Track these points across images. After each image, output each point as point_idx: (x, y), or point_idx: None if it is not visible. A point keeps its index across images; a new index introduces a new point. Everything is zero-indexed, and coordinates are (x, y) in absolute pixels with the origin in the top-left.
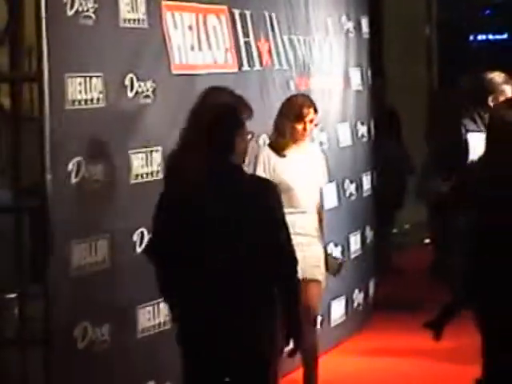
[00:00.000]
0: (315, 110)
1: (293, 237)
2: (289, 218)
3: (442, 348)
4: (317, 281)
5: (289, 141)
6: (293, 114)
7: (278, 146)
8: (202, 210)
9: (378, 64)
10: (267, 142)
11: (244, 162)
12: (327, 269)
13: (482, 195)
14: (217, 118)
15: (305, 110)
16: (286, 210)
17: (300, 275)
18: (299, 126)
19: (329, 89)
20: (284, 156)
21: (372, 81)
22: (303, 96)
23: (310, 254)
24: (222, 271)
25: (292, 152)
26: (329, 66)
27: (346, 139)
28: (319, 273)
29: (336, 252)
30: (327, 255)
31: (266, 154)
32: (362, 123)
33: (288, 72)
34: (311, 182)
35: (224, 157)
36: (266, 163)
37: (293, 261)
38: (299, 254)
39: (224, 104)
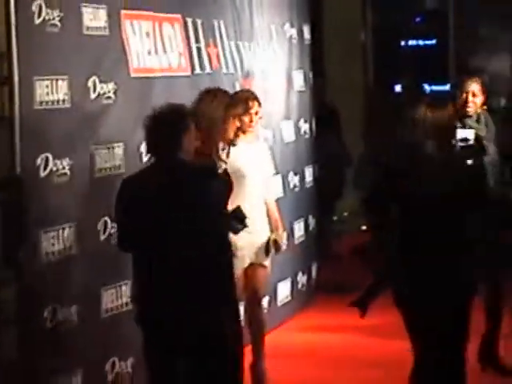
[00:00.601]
0: (259, 104)
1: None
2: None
3: (371, 325)
4: (263, 265)
5: (237, 132)
6: (240, 107)
7: None
8: (149, 204)
9: (319, 66)
10: None
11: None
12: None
13: (411, 194)
14: (163, 120)
15: (250, 103)
16: (237, 200)
17: (247, 261)
18: (246, 118)
19: (273, 90)
20: (234, 145)
21: (314, 82)
22: (248, 91)
23: (256, 241)
24: (172, 262)
25: (241, 142)
26: (273, 69)
27: (289, 135)
28: (265, 258)
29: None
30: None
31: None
32: (305, 121)
33: (235, 75)
34: (260, 171)
35: (172, 154)
36: None
37: (230, 247)
38: (246, 240)
39: (171, 108)
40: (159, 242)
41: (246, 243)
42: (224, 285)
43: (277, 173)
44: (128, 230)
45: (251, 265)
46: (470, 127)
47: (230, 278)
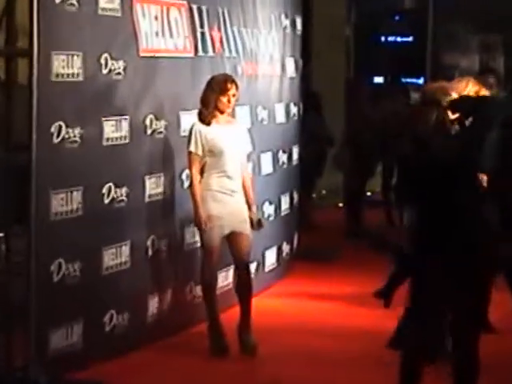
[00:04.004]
0: (236, 87)
1: (220, 196)
2: (218, 180)
3: (347, 293)
4: (245, 233)
5: (214, 111)
6: (218, 88)
7: (205, 117)
8: None
9: (307, 55)
10: None
11: None
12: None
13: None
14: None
15: (228, 85)
16: (216, 174)
17: (226, 230)
18: (224, 99)
19: (270, 74)
20: (209, 124)
21: (302, 69)
22: (227, 74)
23: (236, 211)
24: None
25: (218, 122)
26: (270, 56)
27: (281, 117)
28: (246, 228)
29: (269, 209)
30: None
31: (197, 126)
32: (294, 104)
33: (236, 59)
34: (237, 148)
35: None
36: (197, 135)
37: None
38: (225, 211)
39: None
40: None
41: (225, 213)
42: None
43: (268, 150)
44: None
45: (232, 233)
46: None
47: None
